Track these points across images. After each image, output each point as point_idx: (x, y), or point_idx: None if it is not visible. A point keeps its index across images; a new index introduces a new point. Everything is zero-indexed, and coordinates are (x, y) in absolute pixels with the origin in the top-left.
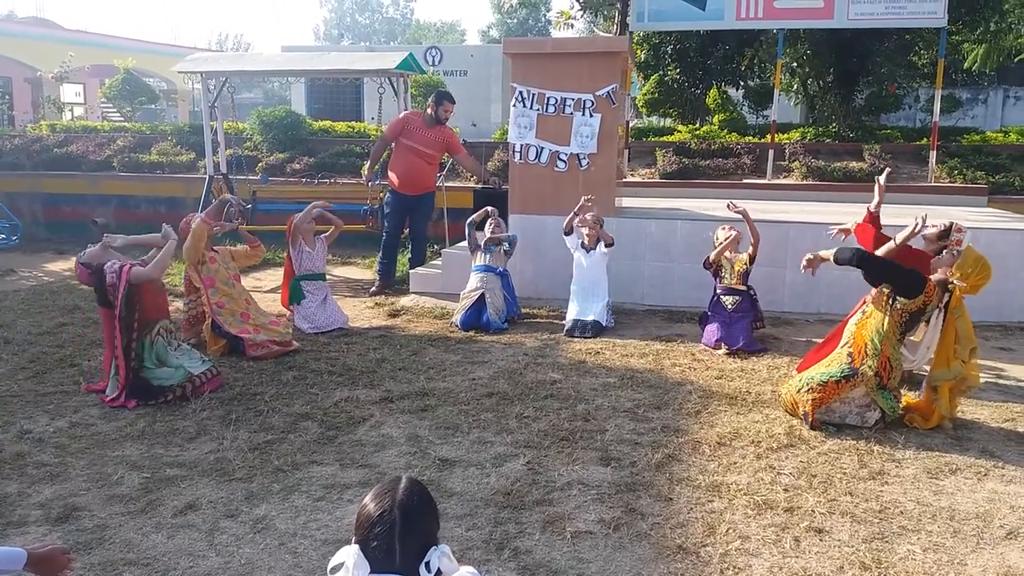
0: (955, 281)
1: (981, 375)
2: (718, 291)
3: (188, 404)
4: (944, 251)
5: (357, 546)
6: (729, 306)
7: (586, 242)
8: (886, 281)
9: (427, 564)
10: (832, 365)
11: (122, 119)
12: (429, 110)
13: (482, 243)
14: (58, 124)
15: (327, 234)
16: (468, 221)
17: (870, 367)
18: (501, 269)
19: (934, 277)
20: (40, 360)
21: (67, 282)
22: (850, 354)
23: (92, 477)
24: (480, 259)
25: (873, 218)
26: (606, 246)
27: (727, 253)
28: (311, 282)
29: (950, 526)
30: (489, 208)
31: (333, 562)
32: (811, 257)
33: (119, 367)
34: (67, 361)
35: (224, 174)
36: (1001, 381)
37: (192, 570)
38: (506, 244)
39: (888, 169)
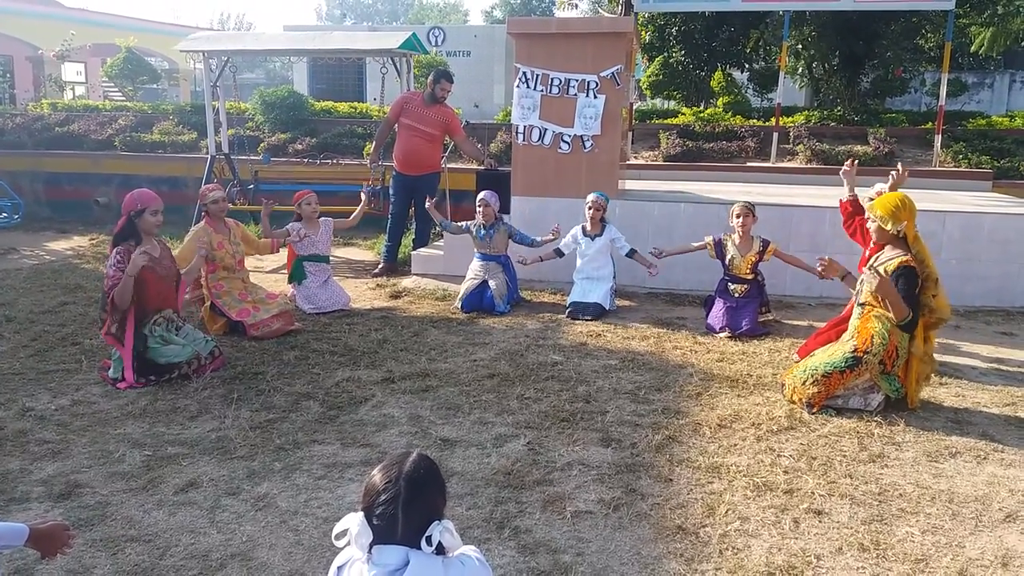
0: (893, 228)
1: (982, 357)
2: (726, 278)
3: (190, 383)
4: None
5: (361, 514)
6: (737, 294)
7: (588, 228)
8: (907, 302)
9: (428, 538)
10: (835, 355)
11: (124, 98)
12: (428, 89)
13: (479, 226)
14: (59, 103)
15: (345, 219)
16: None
17: (875, 356)
18: (503, 257)
19: (888, 256)
20: (42, 338)
21: (69, 261)
22: (854, 345)
23: (94, 454)
24: (479, 247)
25: (853, 203)
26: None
27: (737, 240)
28: (314, 263)
29: (949, 509)
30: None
31: (337, 528)
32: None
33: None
34: (69, 340)
35: (226, 154)
36: (1002, 366)
37: (193, 547)
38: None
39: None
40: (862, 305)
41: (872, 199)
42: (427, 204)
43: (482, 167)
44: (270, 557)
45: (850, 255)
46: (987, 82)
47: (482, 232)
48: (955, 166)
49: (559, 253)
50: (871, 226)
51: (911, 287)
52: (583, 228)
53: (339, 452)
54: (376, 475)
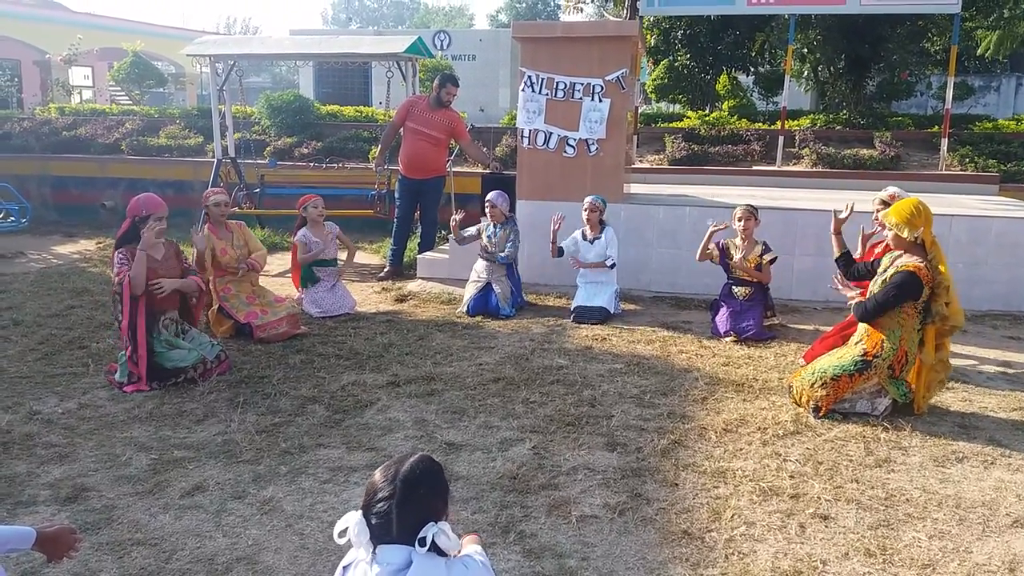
0: (910, 235)
1: (989, 361)
2: (730, 282)
3: (196, 386)
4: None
5: (360, 512)
6: (741, 297)
7: (588, 233)
8: (891, 309)
9: (422, 539)
10: (844, 358)
11: (130, 102)
12: (433, 93)
13: (488, 225)
14: (67, 107)
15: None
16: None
17: (884, 360)
18: (506, 259)
19: (904, 260)
20: (49, 342)
21: (76, 265)
22: (864, 349)
23: (100, 458)
24: (488, 246)
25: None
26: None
27: (738, 242)
28: (323, 268)
29: (956, 514)
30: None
31: (339, 527)
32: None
33: (128, 353)
34: (76, 343)
35: (232, 158)
36: (1010, 370)
37: (199, 551)
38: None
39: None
40: None
41: (885, 201)
42: (452, 221)
43: (487, 171)
44: (276, 561)
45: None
46: (993, 85)
47: (490, 231)
48: (961, 170)
49: (560, 252)
50: (887, 234)
51: (906, 293)
52: (583, 232)
53: (344, 456)
54: (376, 474)
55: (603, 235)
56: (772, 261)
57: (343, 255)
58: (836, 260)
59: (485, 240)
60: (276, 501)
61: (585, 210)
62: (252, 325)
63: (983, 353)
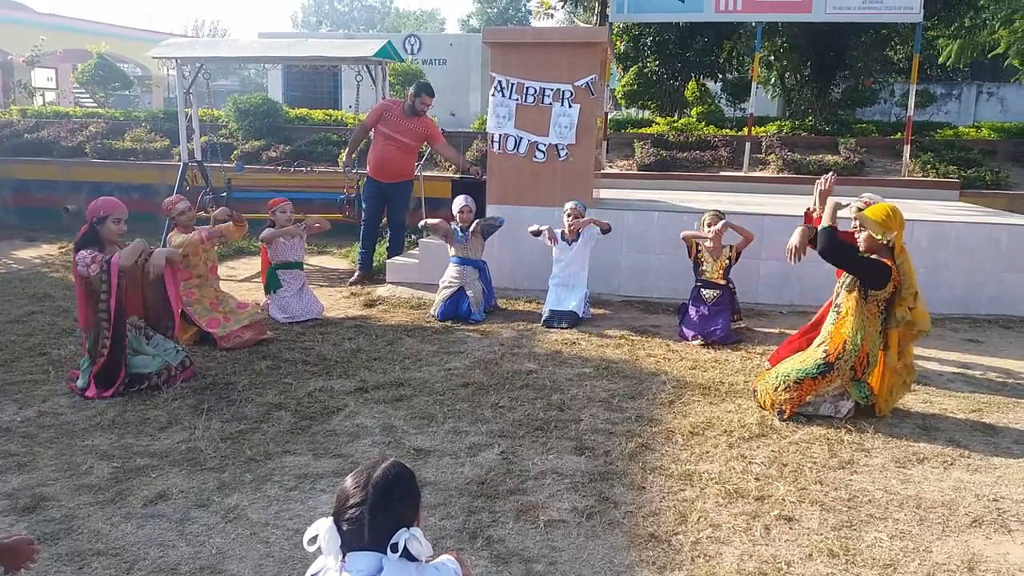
0: (883, 237)
1: (949, 364)
2: (698, 284)
3: (160, 393)
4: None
5: (331, 519)
6: (709, 300)
7: (567, 233)
8: (849, 268)
9: (394, 545)
10: (807, 362)
11: (95, 105)
12: (408, 101)
13: (456, 228)
14: (29, 109)
15: (307, 225)
16: (421, 225)
17: (846, 362)
18: (480, 261)
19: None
20: (8, 348)
21: (37, 270)
22: (825, 351)
23: (61, 467)
24: (458, 250)
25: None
26: (603, 232)
27: (708, 243)
28: (288, 271)
29: (917, 514)
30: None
31: (309, 534)
32: (795, 247)
33: (94, 357)
34: (36, 350)
35: (199, 161)
36: (968, 372)
37: (162, 560)
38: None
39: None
40: (839, 307)
41: (860, 208)
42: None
43: (457, 175)
44: (240, 570)
45: (821, 261)
46: (955, 93)
47: (459, 234)
48: (923, 176)
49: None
50: (860, 236)
51: (872, 269)
52: (562, 232)
53: (311, 463)
54: (348, 480)
55: (580, 238)
56: (734, 250)
57: (309, 259)
58: (822, 230)
59: (455, 244)
60: (241, 509)
61: (569, 216)
62: (215, 335)
63: (943, 355)
